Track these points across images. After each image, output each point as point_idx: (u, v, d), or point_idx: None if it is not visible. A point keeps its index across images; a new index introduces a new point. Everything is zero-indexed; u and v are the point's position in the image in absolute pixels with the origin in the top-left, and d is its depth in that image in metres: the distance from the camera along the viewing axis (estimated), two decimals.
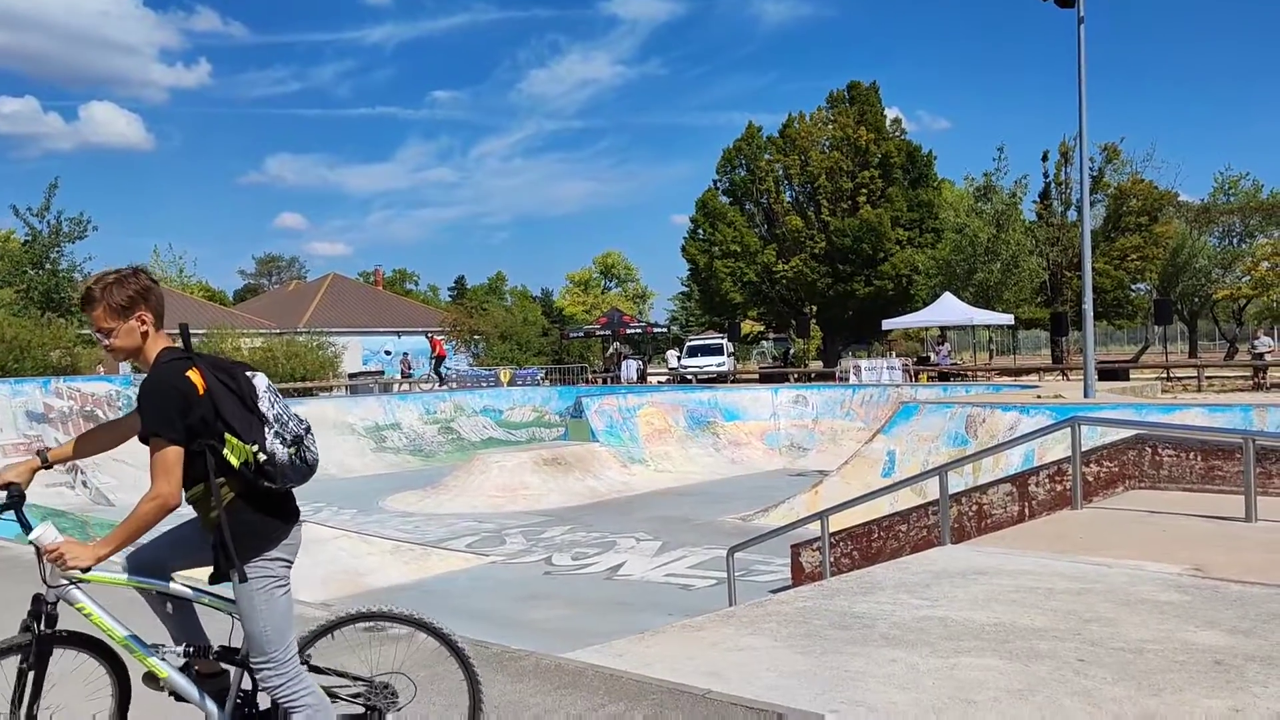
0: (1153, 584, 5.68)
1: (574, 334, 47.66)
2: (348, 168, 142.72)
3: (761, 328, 57.46)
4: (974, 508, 9.39)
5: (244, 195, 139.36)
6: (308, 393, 31.46)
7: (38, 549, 2.99)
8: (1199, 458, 8.62)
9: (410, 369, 42.02)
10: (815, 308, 48.33)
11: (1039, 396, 18.98)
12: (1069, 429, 8.24)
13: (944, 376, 32.46)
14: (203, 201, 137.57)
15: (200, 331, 36.43)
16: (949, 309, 36.47)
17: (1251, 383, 30.74)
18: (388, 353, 51.36)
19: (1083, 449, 8.40)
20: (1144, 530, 7.28)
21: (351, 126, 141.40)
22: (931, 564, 6.54)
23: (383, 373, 42.58)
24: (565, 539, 15.60)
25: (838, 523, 9.86)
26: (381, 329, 54.10)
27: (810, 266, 46.17)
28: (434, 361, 39.97)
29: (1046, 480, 9.06)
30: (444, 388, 34.62)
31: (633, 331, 44.80)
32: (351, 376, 39.60)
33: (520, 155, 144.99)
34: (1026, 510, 9.04)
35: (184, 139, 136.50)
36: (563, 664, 4.55)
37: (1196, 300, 53.44)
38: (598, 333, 45.23)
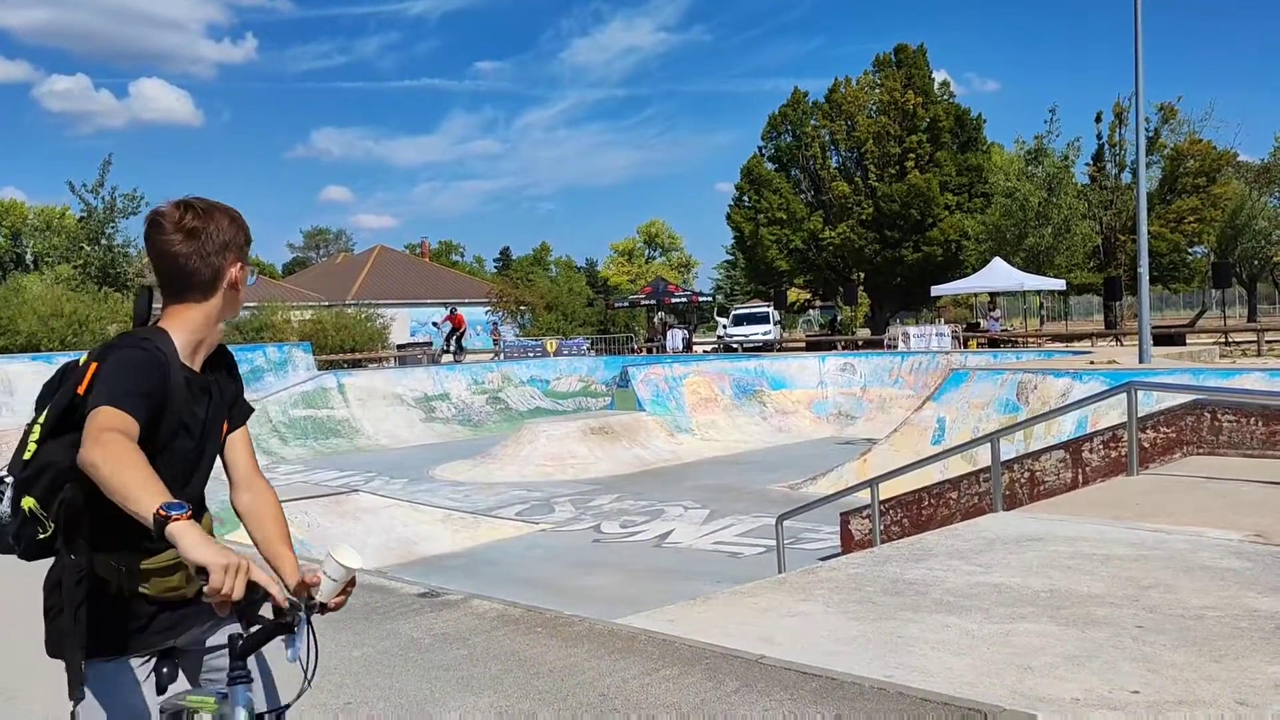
0: (1213, 550, 5.59)
1: (619, 304, 47.62)
2: (392, 140, 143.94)
3: (808, 295, 57.00)
4: (1026, 474, 9.29)
5: (291, 169, 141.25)
6: (358, 364, 31.79)
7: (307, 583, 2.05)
8: (1259, 423, 8.44)
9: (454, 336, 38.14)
10: (863, 274, 47.81)
11: (1092, 362, 18.69)
12: (1124, 394, 8.09)
13: (994, 343, 32.03)
14: (251, 176, 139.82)
15: (251, 305, 36.84)
16: (999, 274, 35.92)
17: None
18: (435, 324, 51.58)
19: (1139, 415, 8.25)
20: (1203, 496, 7.16)
21: (396, 99, 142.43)
22: (984, 530, 6.49)
23: (431, 344, 42.45)
24: (613, 507, 15.69)
25: (887, 490, 9.81)
26: (429, 300, 54.51)
27: (857, 233, 45.62)
28: (455, 334, 37.40)
29: (1101, 446, 8.93)
30: (480, 359, 34.47)
31: (678, 301, 44.71)
32: (400, 348, 39.76)
33: (564, 125, 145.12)
34: (1080, 477, 8.92)
35: (232, 114, 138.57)
36: (616, 629, 4.59)
37: (1256, 263, 52.19)
38: (643, 302, 45.18)
